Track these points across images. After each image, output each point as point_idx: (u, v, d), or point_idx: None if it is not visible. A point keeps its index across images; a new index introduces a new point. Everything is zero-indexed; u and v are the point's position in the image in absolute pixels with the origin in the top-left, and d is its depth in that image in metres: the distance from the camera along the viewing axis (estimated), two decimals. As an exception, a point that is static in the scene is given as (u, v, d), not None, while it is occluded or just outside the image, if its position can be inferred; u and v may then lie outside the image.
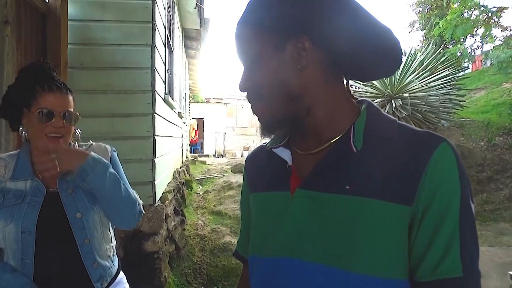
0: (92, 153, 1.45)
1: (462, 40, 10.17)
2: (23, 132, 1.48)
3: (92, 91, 3.40)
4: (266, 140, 0.91)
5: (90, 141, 1.65)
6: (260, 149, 0.96)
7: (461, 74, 9.38)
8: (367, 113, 0.77)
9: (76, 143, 1.58)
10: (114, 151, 1.65)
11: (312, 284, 0.70)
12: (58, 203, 1.42)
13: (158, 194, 3.92)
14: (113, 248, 1.60)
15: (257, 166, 0.93)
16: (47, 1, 3.19)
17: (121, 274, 1.65)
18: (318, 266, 0.70)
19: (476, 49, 14.31)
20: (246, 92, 0.80)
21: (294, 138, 0.85)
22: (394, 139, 0.72)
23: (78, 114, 1.50)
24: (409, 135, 0.73)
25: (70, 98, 1.48)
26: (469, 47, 11.85)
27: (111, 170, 1.48)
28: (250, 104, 0.81)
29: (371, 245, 0.67)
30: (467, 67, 13.80)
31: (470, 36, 12.52)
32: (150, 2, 3.61)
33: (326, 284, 0.69)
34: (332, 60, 0.75)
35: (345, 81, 0.81)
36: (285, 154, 0.83)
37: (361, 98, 0.84)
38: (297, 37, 0.72)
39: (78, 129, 1.57)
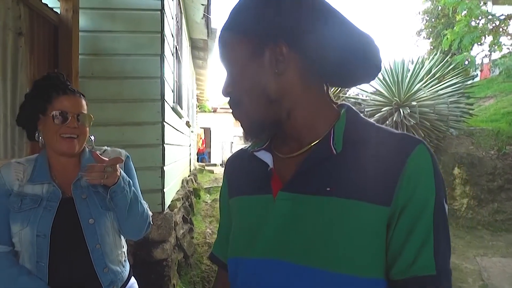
0: (122, 173, 1.50)
1: (470, 49, 10.13)
2: (40, 138, 1.52)
3: (102, 100, 3.46)
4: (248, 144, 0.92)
5: (106, 146, 1.68)
6: (241, 153, 0.97)
7: (469, 82, 9.36)
8: (346, 117, 0.79)
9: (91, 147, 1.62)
10: (129, 157, 1.68)
11: (294, 284, 0.71)
12: (72, 209, 1.45)
13: (167, 202, 3.95)
14: (124, 254, 1.62)
15: (237, 169, 0.94)
16: (59, 13, 3.26)
17: (133, 279, 1.67)
18: (300, 267, 0.71)
19: (484, 58, 14.27)
20: (229, 98, 0.81)
21: (276, 141, 0.86)
22: (372, 141, 0.74)
23: (92, 116, 1.55)
24: (387, 137, 0.74)
25: (83, 101, 1.54)
26: (477, 56, 11.83)
27: (132, 188, 1.53)
28: (232, 111, 0.83)
29: (351, 245, 0.69)
30: (476, 75, 13.71)
31: (478, 44, 12.48)
32: (159, 12, 3.68)
33: (307, 284, 0.70)
34: (311, 65, 0.76)
35: (325, 86, 0.83)
36: (266, 157, 0.84)
37: (341, 102, 0.86)
38: (275, 42, 0.73)
39: (93, 136, 1.61)
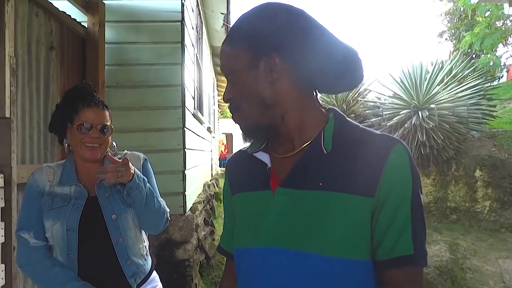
0: (137, 171, 1.65)
1: (493, 50, 9.94)
2: (67, 144, 1.68)
3: (127, 108, 3.65)
4: (247, 145, 1.01)
5: (125, 150, 1.83)
6: (241, 154, 1.05)
7: (492, 84, 9.19)
8: (334, 120, 0.88)
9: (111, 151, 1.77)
10: (146, 159, 1.82)
11: (292, 268, 0.81)
12: (96, 206, 1.61)
13: (189, 205, 4.10)
14: (145, 248, 1.76)
15: (238, 169, 1.03)
16: (86, 26, 3.48)
17: (154, 273, 1.81)
18: (297, 252, 0.80)
19: (509, 58, 13.92)
20: (229, 103, 0.91)
21: (272, 143, 0.95)
22: (358, 141, 0.84)
23: (113, 127, 1.70)
24: (370, 138, 0.85)
25: (107, 113, 1.68)
26: (502, 56, 11.54)
27: (148, 185, 1.68)
28: (232, 115, 0.92)
29: (341, 232, 0.78)
30: (501, 76, 13.39)
31: (503, 45, 12.21)
32: (180, 24, 3.86)
33: (304, 267, 0.80)
34: (301, 75, 0.86)
35: (315, 93, 0.93)
36: (264, 157, 0.93)
37: (329, 107, 0.95)
38: (269, 55, 0.83)
39: (115, 142, 1.76)
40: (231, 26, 0.85)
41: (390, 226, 0.79)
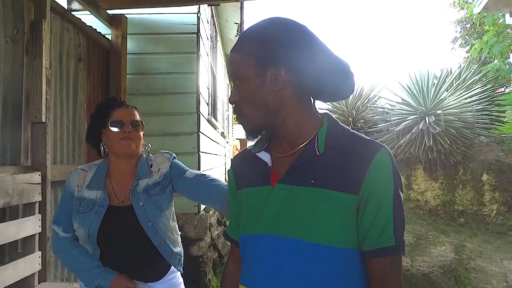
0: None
1: (501, 57, 9.99)
2: (102, 148, 1.80)
3: (146, 113, 3.84)
4: (251, 145, 1.13)
5: (151, 155, 1.93)
6: (245, 153, 1.16)
7: (501, 90, 9.22)
8: (327, 124, 0.98)
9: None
10: (174, 156, 1.91)
11: (286, 253, 0.91)
12: (117, 214, 1.71)
13: (203, 205, 4.36)
14: (179, 235, 1.89)
15: (243, 166, 1.13)
16: (110, 39, 3.79)
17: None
18: (291, 240, 0.91)
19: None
20: (234, 105, 1.01)
21: (272, 144, 1.05)
22: (348, 143, 0.94)
23: (143, 122, 1.82)
24: (357, 141, 0.95)
25: (136, 111, 1.81)
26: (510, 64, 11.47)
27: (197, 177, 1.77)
28: (236, 116, 1.03)
29: (330, 223, 0.89)
30: (506, 85, 13.24)
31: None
32: (195, 35, 4.14)
33: (296, 252, 0.90)
34: (302, 84, 0.95)
35: (312, 100, 1.03)
36: (265, 157, 1.03)
37: (324, 112, 1.06)
38: (276, 66, 0.93)
39: (149, 144, 1.90)
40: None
41: (374, 220, 0.89)
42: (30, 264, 2.26)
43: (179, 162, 1.89)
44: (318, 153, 0.93)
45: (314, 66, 0.94)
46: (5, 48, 2.30)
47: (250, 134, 1.03)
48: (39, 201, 2.37)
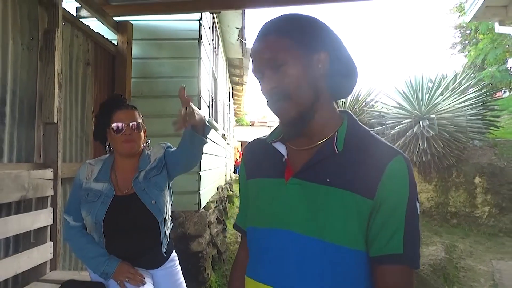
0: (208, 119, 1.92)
1: (495, 64, 10.19)
2: (107, 146, 2.01)
3: (149, 115, 4.07)
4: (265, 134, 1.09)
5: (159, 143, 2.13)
6: (258, 142, 1.12)
7: (504, 94, 9.40)
8: (348, 124, 0.95)
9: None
10: (169, 147, 2.07)
11: (295, 249, 0.89)
12: (121, 204, 1.89)
13: (203, 203, 4.55)
14: (170, 220, 2.06)
15: (255, 156, 1.09)
16: (116, 44, 3.99)
17: (174, 252, 2.09)
18: (302, 236, 0.89)
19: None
20: (270, 95, 0.92)
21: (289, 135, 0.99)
22: (366, 145, 0.91)
23: (143, 124, 2.00)
24: (376, 144, 0.92)
25: (136, 113, 1.99)
26: (507, 70, 11.63)
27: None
28: (273, 105, 0.93)
29: (342, 223, 0.86)
30: (505, 90, 13.36)
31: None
32: (197, 41, 4.35)
33: (307, 249, 0.88)
34: (337, 74, 0.92)
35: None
36: (281, 148, 0.98)
37: (343, 110, 1.02)
38: (321, 51, 0.90)
39: (149, 139, 2.09)
40: (259, 29, 0.95)
41: (384, 225, 0.86)
42: (42, 253, 2.45)
43: (171, 147, 2.07)
44: (337, 151, 0.91)
45: (343, 60, 0.94)
46: (22, 54, 2.51)
47: (290, 124, 0.94)
48: (51, 196, 2.57)
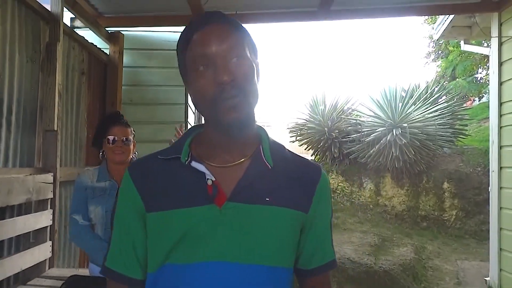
0: None
1: (464, 75, 10.80)
2: (101, 153, 2.29)
3: (139, 122, 4.29)
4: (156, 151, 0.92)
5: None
6: (150, 162, 0.90)
7: (473, 104, 9.92)
8: (268, 138, 0.91)
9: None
10: None
11: (237, 280, 0.80)
12: None
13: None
14: None
15: (155, 181, 0.87)
16: (108, 54, 4.18)
17: None
18: (248, 266, 0.80)
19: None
20: (230, 83, 0.78)
21: (201, 152, 0.88)
22: (290, 160, 0.91)
23: (133, 139, 2.31)
24: (298, 158, 0.94)
25: (129, 130, 2.30)
26: (482, 80, 12.29)
27: None
28: (226, 100, 0.79)
29: (282, 243, 0.84)
30: (480, 98, 14.07)
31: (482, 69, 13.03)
32: (185, 52, 4.57)
33: (247, 278, 0.80)
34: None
35: None
36: (201, 168, 0.84)
37: (257, 124, 0.94)
38: (257, 58, 0.89)
39: (136, 152, 2.39)
40: (211, 14, 0.87)
41: (320, 238, 0.92)
42: (43, 251, 2.64)
43: None
44: (270, 167, 0.85)
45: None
46: (26, 66, 2.69)
47: (243, 125, 0.84)
48: (51, 198, 2.76)
